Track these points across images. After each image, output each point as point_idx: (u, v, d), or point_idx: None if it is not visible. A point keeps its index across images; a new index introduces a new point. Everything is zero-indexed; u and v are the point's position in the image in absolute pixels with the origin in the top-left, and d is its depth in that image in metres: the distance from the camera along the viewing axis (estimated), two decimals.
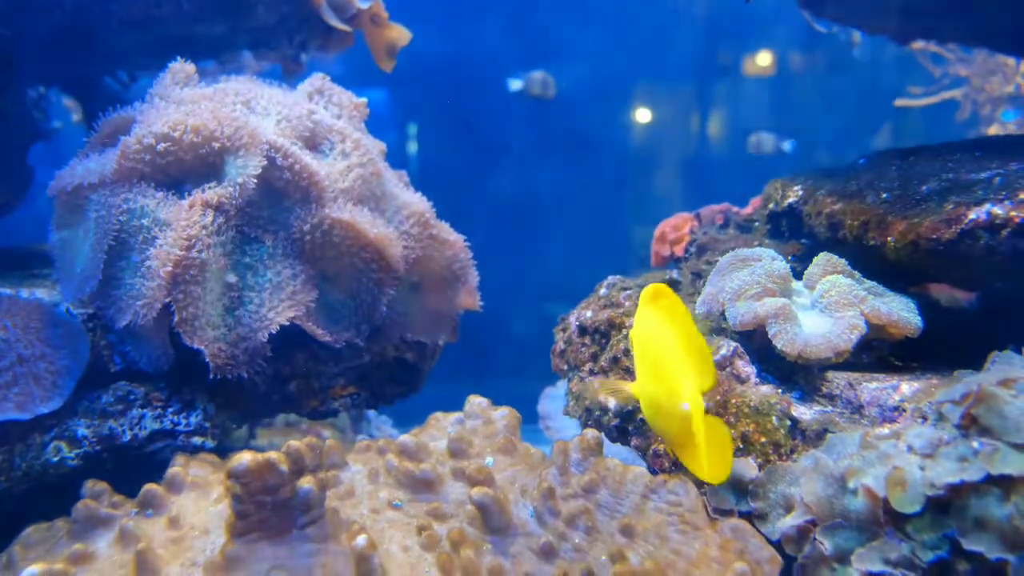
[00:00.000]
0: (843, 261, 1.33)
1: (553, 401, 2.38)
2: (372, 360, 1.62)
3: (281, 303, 1.38)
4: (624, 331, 1.48)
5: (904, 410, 1.11)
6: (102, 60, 2.12)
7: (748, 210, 2.19)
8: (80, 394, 1.32)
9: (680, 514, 1.06)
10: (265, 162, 1.37)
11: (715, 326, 1.40)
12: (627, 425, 1.37)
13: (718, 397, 1.23)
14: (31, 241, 1.93)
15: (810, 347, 1.18)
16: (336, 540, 0.97)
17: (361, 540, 0.93)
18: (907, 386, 1.14)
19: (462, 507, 1.08)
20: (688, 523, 1.05)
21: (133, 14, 1.75)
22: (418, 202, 1.64)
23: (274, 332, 1.36)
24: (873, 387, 1.16)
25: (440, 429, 1.27)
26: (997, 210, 1.17)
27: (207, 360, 1.30)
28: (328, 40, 2.12)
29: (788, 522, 1.03)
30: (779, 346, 1.19)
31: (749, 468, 1.14)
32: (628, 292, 1.64)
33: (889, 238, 1.30)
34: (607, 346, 1.53)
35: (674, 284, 1.83)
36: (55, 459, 1.28)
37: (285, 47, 2.11)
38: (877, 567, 0.92)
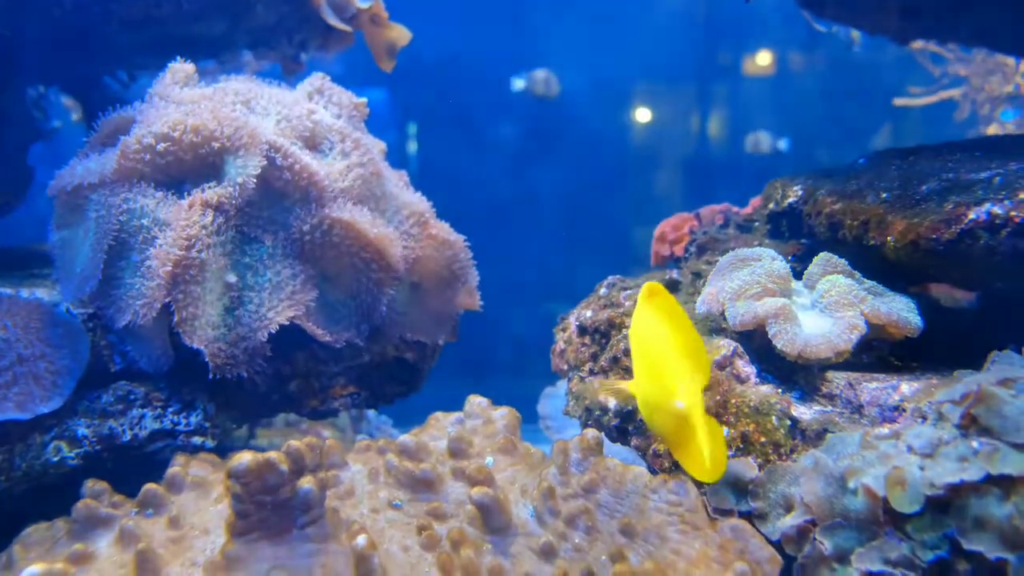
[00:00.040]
0: (843, 261, 1.33)
1: (553, 401, 2.38)
2: (372, 360, 1.62)
3: (281, 303, 1.38)
4: (624, 331, 1.48)
5: (904, 410, 1.11)
6: (102, 60, 2.12)
7: (748, 210, 2.19)
8: (80, 394, 1.32)
9: (680, 514, 1.06)
10: (265, 162, 1.37)
11: (715, 326, 1.40)
12: (627, 425, 1.37)
13: (718, 397, 1.23)
14: (31, 241, 1.93)
15: (810, 347, 1.18)
16: (336, 540, 0.97)
17: (361, 540, 0.93)
18: (907, 386, 1.14)
19: (462, 507, 1.08)
20: (688, 523, 1.05)
21: (133, 14, 1.75)
22: (418, 202, 1.64)
23: (274, 332, 1.36)
24: (873, 387, 1.16)
25: (440, 429, 1.27)
26: (997, 210, 1.17)
27: (207, 360, 1.30)
28: (328, 40, 2.12)
29: (788, 522, 1.03)
30: (779, 346, 1.19)
31: (749, 468, 1.14)
32: (628, 292, 1.64)
33: (889, 238, 1.30)
34: (607, 346, 1.53)
35: (674, 284, 1.83)
36: (55, 459, 1.28)
37: (285, 47, 2.11)
38: (877, 567, 0.93)
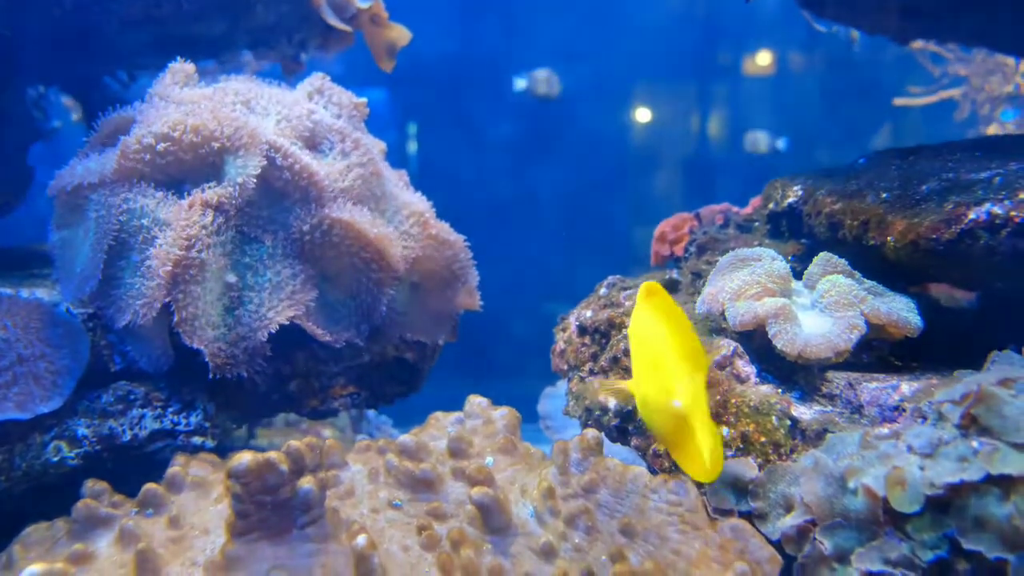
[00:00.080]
0: (843, 261, 1.33)
1: (553, 401, 2.38)
2: (372, 360, 1.62)
3: (281, 303, 1.38)
4: (624, 331, 1.48)
5: (904, 410, 1.11)
6: (102, 60, 2.12)
7: (748, 210, 2.19)
8: (80, 394, 1.32)
9: (680, 514, 1.06)
10: (265, 162, 1.37)
11: (715, 326, 1.40)
12: (627, 425, 1.37)
13: (718, 397, 1.23)
14: (31, 241, 1.93)
15: (810, 347, 1.18)
16: (336, 540, 0.97)
17: (361, 540, 0.93)
18: (907, 386, 1.14)
19: (462, 507, 1.08)
20: (688, 523, 1.05)
21: (133, 14, 1.75)
22: (418, 202, 1.64)
23: (273, 332, 1.36)
24: (873, 387, 1.16)
25: (440, 429, 1.27)
26: (997, 210, 1.17)
27: (207, 360, 1.30)
28: (328, 40, 2.12)
29: (788, 522, 1.03)
30: (779, 346, 1.19)
31: (749, 468, 1.14)
32: (628, 292, 1.64)
33: (889, 238, 1.30)
34: (607, 346, 1.53)
35: (674, 284, 1.83)
36: (55, 459, 1.28)
37: (285, 46, 2.11)
38: (877, 567, 0.93)
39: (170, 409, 1.37)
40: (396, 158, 1.81)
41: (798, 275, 1.37)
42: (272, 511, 0.94)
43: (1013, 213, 1.15)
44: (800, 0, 2.05)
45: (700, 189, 4.65)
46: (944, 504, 0.91)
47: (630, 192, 4.73)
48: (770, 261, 1.35)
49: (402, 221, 1.58)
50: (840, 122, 4.49)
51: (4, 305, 1.33)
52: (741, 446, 1.18)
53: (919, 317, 1.23)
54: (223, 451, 1.41)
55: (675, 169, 4.71)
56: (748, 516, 1.09)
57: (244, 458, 0.91)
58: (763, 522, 1.07)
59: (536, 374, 2.25)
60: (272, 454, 0.92)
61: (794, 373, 1.24)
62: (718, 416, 1.22)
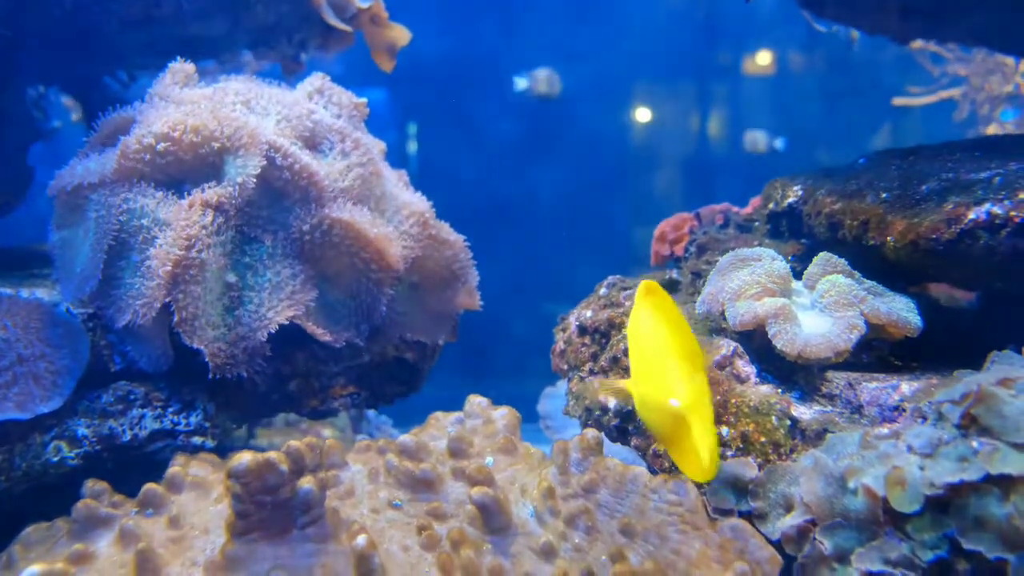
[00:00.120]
0: (843, 261, 1.33)
1: (553, 401, 2.38)
2: (372, 360, 1.62)
3: (280, 303, 1.38)
4: (624, 331, 1.49)
5: (904, 410, 1.11)
6: (102, 60, 2.12)
7: (748, 210, 2.19)
8: (80, 394, 1.32)
9: (680, 514, 1.06)
10: (264, 162, 1.37)
11: (715, 326, 1.40)
12: (627, 425, 1.37)
13: (718, 397, 1.23)
14: (31, 241, 1.93)
15: (810, 347, 1.18)
16: (336, 540, 0.97)
17: (361, 540, 0.93)
18: (907, 386, 1.14)
19: (462, 507, 1.08)
20: (688, 523, 1.05)
21: (133, 14, 1.75)
22: (418, 202, 1.64)
23: (273, 332, 1.36)
24: (873, 387, 1.16)
25: (440, 429, 1.27)
26: (997, 210, 1.17)
27: (207, 360, 1.30)
28: (328, 40, 2.12)
29: (788, 522, 1.03)
30: (779, 346, 1.19)
31: (749, 468, 1.14)
32: (628, 292, 1.64)
33: (889, 238, 1.30)
34: (607, 346, 1.53)
35: (674, 284, 1.83)
36: (55, 459, 1.28)
37: (285, 46, 2.11)
38: (877, 567, 0.93)
39: (170, 409, 1.37)
40: (396, 158, 1.81)
41: (798, 275, 1.37)
42: (272, 511, 0.94)
43: (1013, 213, 1.15)
44: (800, 0, 2.05)
45: (700, 189, 4.65)
46: (944, 504, 0.91)
47: (630, 192, 4.73)
48: (770, 261, 1.35)
49: (402, 221, 1.58)
50: (840, 122, 4.49)
51: (4, 305, 1.33)
52: (741, 446, 1.19)
53: (919, 317, 1.23)
54: (223, 451, 1.41)
55: (675, 169, 4.71)
56: (748, 516, 1.09)
57: (244, 458, 0.91)
58: (763, 522, 1.07)
59: (536, 374, 2.25)
60: (272, 454, 0.92)
61: (794, 373, 1.24)
62: (718, 416, 1.22)
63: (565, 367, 1.67)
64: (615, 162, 4.72)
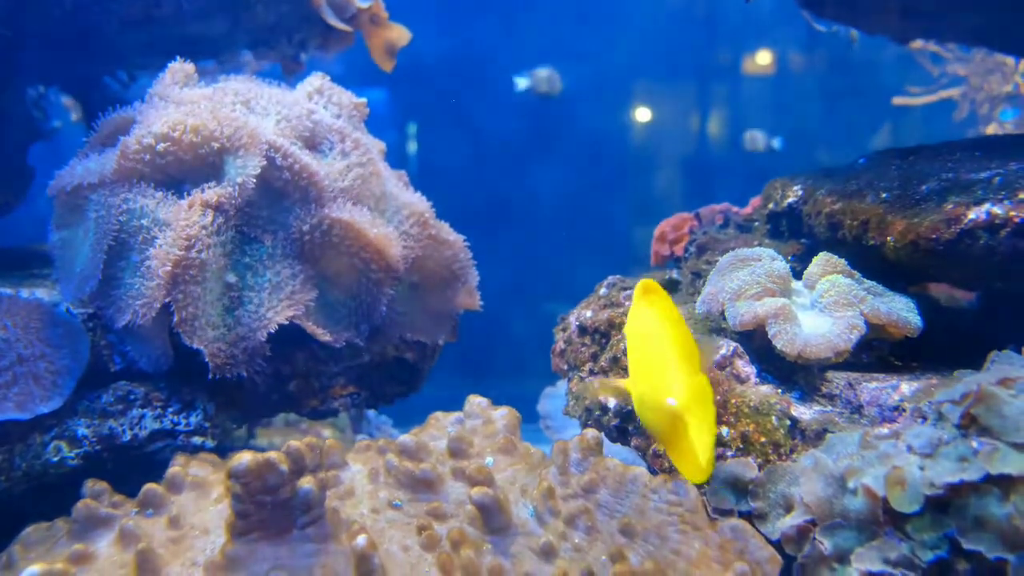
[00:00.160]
0: (843, 261, 1.33)
1: (553, 401, 2.38)
2: (372, 360, 1.62)
3: (280, 303, 1.38)
4: (624, 331, 1.48)
5: (904, 410, 1.11)
6: (102, 60, 2.12)
7: (748, 210, 2.19)
8: (80, 394, 1.32)
9: (680, 514, 1.06)
10: (264, 162, 1.37)
11: (715, 326, 1.40)
12: (627, 425, 1.37)
13: (718, 397, 1.23)
14: (31, 241, 1.93)
15: (810, 347, 1.18)
16: (336, 540, 0.97)
17: (361, 540, 0.93)
18: (907, 386, 1.14)
19: (462, 507, 1.08)
20: (688, 523, 1.05)
21: (133, 14, 1.75)
22: (418, 202, 1.64)
23: (273, 332, 1.36)
24: (873, 387, 1.16)
25: (440, 429, 1.27)
26: (997, 210, 1.17)
27: (207, 360, 1.30)
28: (328, 40, 2.12)
29: (788, 522, 1.03)
30: (779, 346, 1.19)
31: (749, 468, 1.14)
32: (628, 292, 1.64)
33: (889, 238, 1.30)
34: (607, 346, 1.53)
35: (674, 284, 1.83)
36: (55, 459, 1.28)
37: (284, 46, 2.11)
38: (877, 567, 0.93)
39: (170, 409, 1.37)
40: (396, 158, 1.81)
41: (798, 275, 1.37)
42: (272, 511, 0.94)
43: (1013, 213, 1.15)
44: (800, 0, 2.05)
45: (700, 189, 4.65)
46: (944, 504, 0.91)
47: (630, 192, 4.73)
48: (770, 261, 1.35)
49: (402, 221, 1.58)
50: (840, 122, 4.49)
51: (4, 305, 1.33)
52: (741, 446, 1.19)
53: (919, 317, 1.23)
54: (223, 451, 1.41)
55: (675, 169, 4.71)
56: (748, 516, 1.09)
57: (244, 458, 0.91)
58: (763, 522, 1.07)
59: (536, 374, 2.25)
60: (272, 454, 0.92)
61: (794, 373, 1.24)
62: (718, 416, 1.22)
63: (565, 367, 1.67)
64: (615, 162, 4.72)
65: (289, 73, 2.18)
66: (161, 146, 1.35)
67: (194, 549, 1.04)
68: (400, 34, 2.15)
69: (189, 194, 1.35)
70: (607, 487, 1.09)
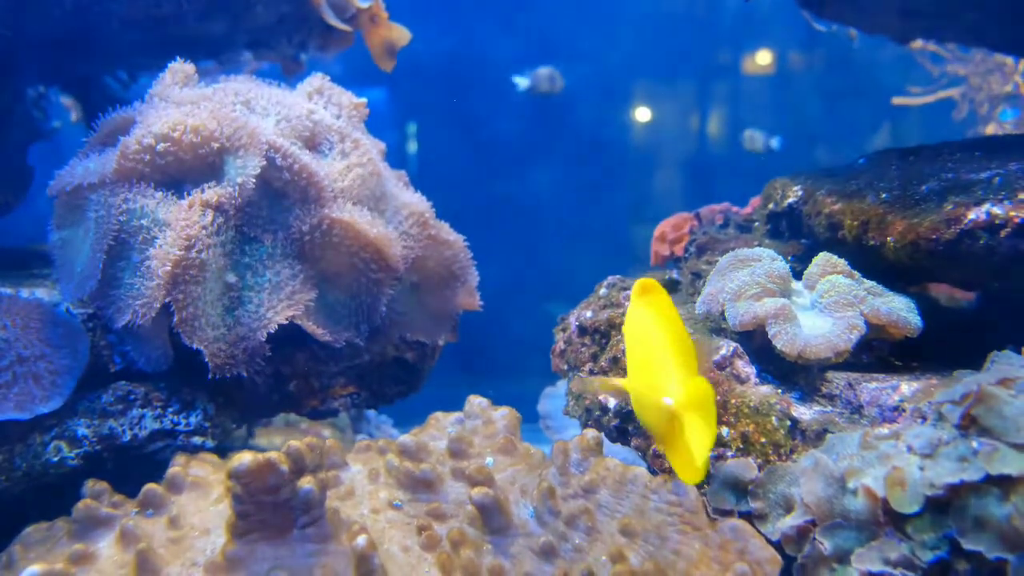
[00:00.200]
0: (843, 261, 1.33)
1: (553, 401, 2.38)
2: (372, 360, 1.62)
3: (280, 303, 1.38)
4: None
5: (904, 410, 1.11)
6: (102, 60, 2.12)
7: (748, 210, 2.20)
8: (80, 394, 1.32)
9: (680, 514, 1.06)
10: (264, 162, 1.37)
11: (715, 326, 1.40)
12: (627, 425, 1.37)
13: (718, 397, 1.23)
14: (31, 241, 1.93)
15: (810, 347, 1.18)
16: (336, 540, 0.97)
17: (361, 540, 0.93)
18: (907, 386, 1.14)
19: (462, 507, 1.08)
20: (688, 523, 1.05)
21: (133, 14, 1.75)
22: (418, 202, 1.64)
23: (273, 332, 1.36)
24: (873, 387, 1.16)
25: (440, 429, 1.27)
26: (997, 210, 1.17)
27: (207, 360, 1.30)
28: (328, 40, 2.12)
29: (788, 522, 1.03)
30: (779, 346, 1.19)
31: (749, 468, 1.14)
32: (628, 292, 1.64)
33: (889, 238, 1.30)
34: (607, 346, 1.53)
35: (674, 284, 1.83)
36: (55, 459, 1.28)
37: (284, 47, 2.11)
38: (877, 567, 0.93)
39: (170, 409, 1.37)
40: (396, 158, 1.81)
41: (798, 275, 1.37)
42: (272, 511, 0.94)
43: (1013, 213, 1.15)
44: (800, 0, 2.05)
45: (700, 189, 4.64)
46: (944, 504, 0.91)
47: (630, 192, 4.72)
48: (770, 261, 1.35)
49: (402, 221, 1.58)
50: (840, 121, 4.49)
51: (4, 305, 1.33)
52: (741, 446, 1.19)
53: (919, 317, 1.23)
54: (223, 451, 1.41)
55: (675, 169, 4.71)
56: (748, 516, 1.09)
57: (244, 458, 0.91)
58: (763, 522, 1.07)
59: (536, 374, 2.25)
60: (272, 454, 0.92)
61: (794, 373, 1.24)
62: (718, 416, 1.22)
63: (565, 367, 1.67)
64: (615, 162, 4.72)
65: (289, 73, 2.18)
66: (161, 146, 1.35)
67: (194, 549, 1.04)
68: (400, 34, 2.15)
69: (189, 194, 1.35)
70: (607, 487, 1.10)
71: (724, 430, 1.21)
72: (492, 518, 1.03)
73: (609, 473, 1.11)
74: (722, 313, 1.31)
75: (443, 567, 0.97)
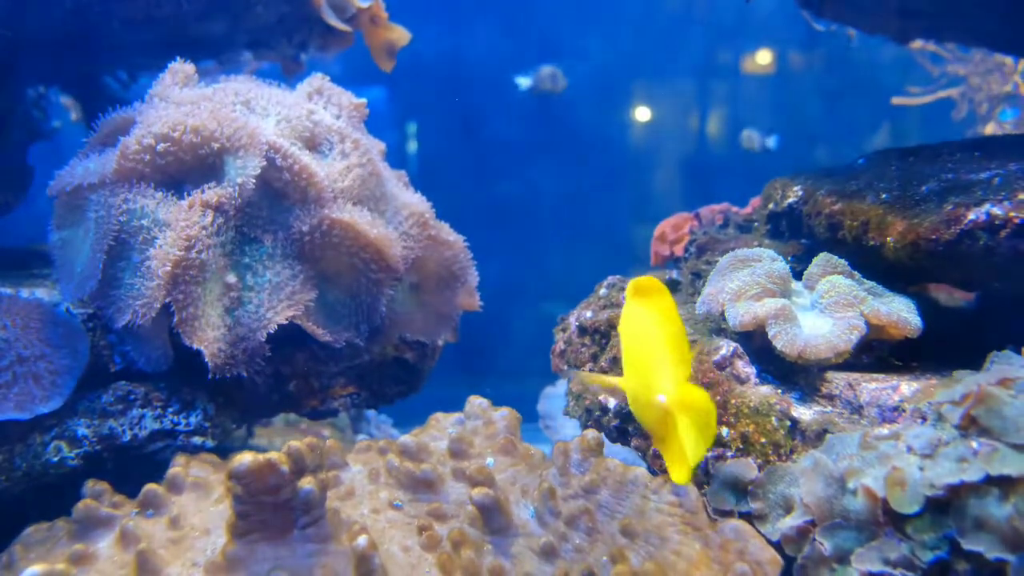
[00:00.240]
0: (843, 261, 1.33)
1: (553, 401, 2.38)
2: (372, 360, 1.62)
3: (280, 303, 1.38)
4: None
5: (903, 410, 1.11)
6: (102, 60, 2.12)
7: (748, 210, 2.20)
8: (80, 394, 1.32)
9: (680, 515, 1.06)
10: (264, 162, 1.37)
11: (715, 326, 1.40)
12: (627, 426, 1.37)
13: (718, 398, 1.23)
14: (31, 241, 1.93)
15: (810, 348, 1.18)
16: (337, 540, 0.97)
17: (362, 540, 0.93)
18: (907, 386, 1.14)
19: (463, 507, 1.08)
20: (688, 524, 1.05)
21: (133, 14, 1.75)
22: (418, 202, 1.64)
23: (273, 332, 1.36)
24: (873, 387, 1.16)
25: (441, 429, 1.27)
26: (996, 211, 1.17)
27: (207, 360, 1.30)
28: (328, 40, 2.12)
29: (788, 523, 1.03)
30: (779, 347, 1.19)
31: (749, 469, 1.14)
32: None
33: (889, 238, 1.30)
34: (607, 346, 1.53)
35: (674, 284, 1.83)
36: (55, 459, 1.28)
37: (285, 47, 2.11)
38: (877, 567, 0.93)
39: (170, 409, 1.38)
40: (396, 158, 1.81)
41: (798, 275, 1.37)
42: (273, 512, 0.94)
43: (1012, 214, 1.15)
44: (800, 0, 2.05)
45: (700, 189, 4.64)
46: (944, 505, 0.91)
47: (630, 192, 4.72)
48: (770, 262, 1.35)
49: (402, 221, 1.58)
50: (839, 121, 4.49)
51: (4, 305, 1.33)
52: (741, 447, 1.19)
53: (919, 318, 1.23)
54: (223, 451, 1.41)
55: (675, 169, 4.71)
56: (748, 517, 1.09)
57: (245, 459, 0.91)
58: (763, 523, 1.07)
59: (536, 374, 2.25)
60: (273, 455, 0.92)
61: (794, 374, 1.24)
62: (718, 417, 1.22)
63: (565, 367, 1.67)
64: (615, 162, 4.72)
65: (289, 73, 2.18)
66: (161, 146, 1.35)
67: (194, 550, 1.04)
68: (400, 34, 2.15)
69: (189, 194, 1.35)
70: (608, 488, 1.10)
71: (724, 430, 1.21)
72: (493, 518, 1.03)
73: (609, 473, 1.11)
74: (722, 313, 1.31)
75: (443, 567, 0.97)
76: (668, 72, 4.65)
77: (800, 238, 1.69)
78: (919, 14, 1.92)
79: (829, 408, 1.18)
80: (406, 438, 1.20)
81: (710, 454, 1.20)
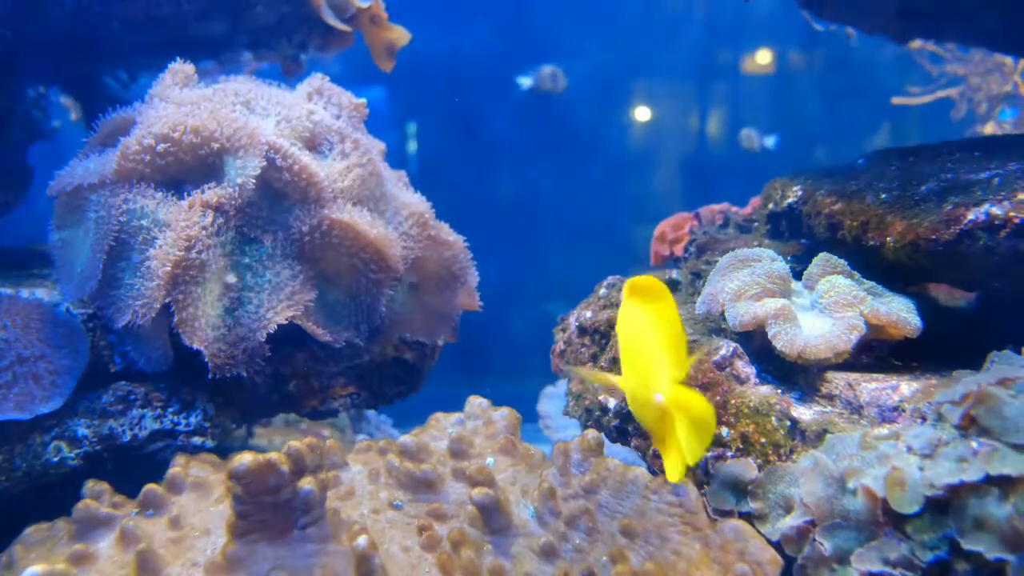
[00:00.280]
0: (843, 261, 1.33)
1: (553, 401, 2.38)
2: (372, 360, 1.62)
3: (280, 303, 1.38)
4: None
5: (903, 410, 1.11)
6: (102, 59, 2.12)
7: (748, 210, 2.20)
8: (80, 394, 1.32)
9: (680, 515, 1.06)
10: (264, 163, 1.37)
11: (715, 326, 1.40)
12: (627, 426, 1.37)
13: (718, 398, 1.23)
14: (31, 241, 1.93)
15: (810, 348, 1.18)
16: (337, 540, 0.97)
17: (362, 540, 0.93)
18: (906, 386, 1.14)
19: (463, 507, 1.08)
20: (689, 524, 1.05)
21: (133, 14, 1.75)
22: (418, 202, 1.64)
23: (272, 332, 1.36)
24: (872, 387, 1.16)
25: (441, 429, 1.27)
26: (996, 211, 1.17)
27: (207, 360, 1.30)
28: (328, 40, 2.12)
29: (788, 523, 1.03)
30: (779, 347, 1.19)
31: (749, 469, 1.14)
32: None
33: (888, 238, 1.30)
34: (607, 346, 1.53)
35: (674, 284, 1.83)
36: (55, 459, 1.28)
37: (285, 47, 2.11)
38: (876, 567, 0.93)
39: (170, 409, 1.38)
40: (396, 158, 1.81)
41: (798, 275, 1.37)
42: (273, 512, 0.94)
43: (1012, 214, 1.15)
44: (800, 0, 2.05)
45: (700, 189, 4.64)
46: (944, 505, 0.91)
47: (630, 192, 4.72)
48: (770, 262, 1.35)
49: (401, 222, 1.58)
50: (839, 121, 4.49)
51: (4, 305, 1.33)
52: (741, 447, 1.19)
53: (918, 318, 1.23)
54: (223, 451, 1.41)
55: (675, 169, 4.71)
56: (748, 517, 1.09)
57: (245, 459, 0.91)
58: (763, 523, 1.07)
59: (536, 374, 2.25)
60: (273, 455, 0.92)
61: (794, 374, 1.24)
62: (718, 417, 1.22)
63: (565, 367, 1.67)
64: (615, 162, 4.72)
65: (289, 74, 2.18)
66: (161, 147, 1.35)
67: (194, 550, 1.04)
68: (400, 35, 2.15)
69: (189, 195, 1.35)
70: (608, 488, 1.10)
71: (724, 430, 1.21)
72: (493, 518, 1.03)
73: (610, 474, 1.11)
74: (722, 313, 1.31)
75: (443, 567, 0.97)
76: (668, 72, 4.65)
77: (800, 238, 1.69)
78: (919, 14, 1.92)
79: (829, 408, 1.18)
80: (406, 438, 1.21)
81: (710, 454, 1.20)
